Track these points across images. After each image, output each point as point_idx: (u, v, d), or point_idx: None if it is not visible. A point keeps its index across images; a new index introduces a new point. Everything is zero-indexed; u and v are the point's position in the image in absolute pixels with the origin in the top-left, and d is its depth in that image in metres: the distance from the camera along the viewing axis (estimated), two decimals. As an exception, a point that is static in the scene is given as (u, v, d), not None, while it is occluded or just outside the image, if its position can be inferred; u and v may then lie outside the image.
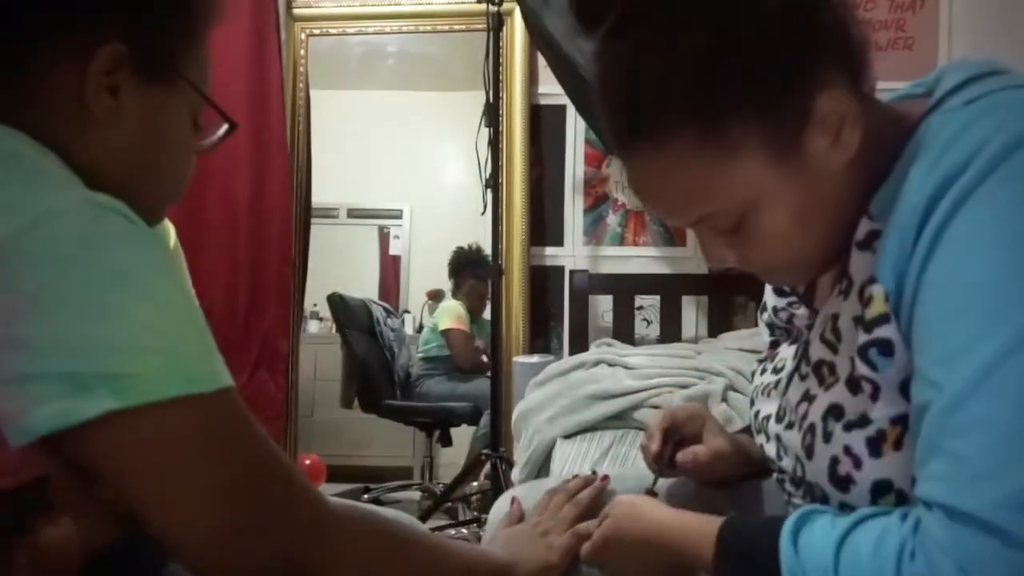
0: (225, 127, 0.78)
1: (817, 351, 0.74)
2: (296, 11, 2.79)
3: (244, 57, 2.58)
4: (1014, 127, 0.59)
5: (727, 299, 2.57)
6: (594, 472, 1.05)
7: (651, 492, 0.93)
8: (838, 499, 0.69)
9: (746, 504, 0.96)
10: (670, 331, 2.49)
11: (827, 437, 0.69)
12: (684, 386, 1.79)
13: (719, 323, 2.54)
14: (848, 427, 0.68)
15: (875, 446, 0.66)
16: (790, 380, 0.80)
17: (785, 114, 0.65)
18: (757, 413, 0.87)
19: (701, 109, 0.65)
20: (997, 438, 0.55)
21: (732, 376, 1.79)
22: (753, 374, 0.94)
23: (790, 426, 0.76)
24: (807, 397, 0.74)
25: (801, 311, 0.87)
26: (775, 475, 0.85)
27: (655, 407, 1.73)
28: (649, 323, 2.63)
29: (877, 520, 0.62)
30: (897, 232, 0.62)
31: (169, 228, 0.99)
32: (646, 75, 0.66)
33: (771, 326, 0.94)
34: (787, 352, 0.87)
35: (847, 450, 0.67)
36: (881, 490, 0.66)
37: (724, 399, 1.73)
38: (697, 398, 1.72)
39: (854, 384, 0.68)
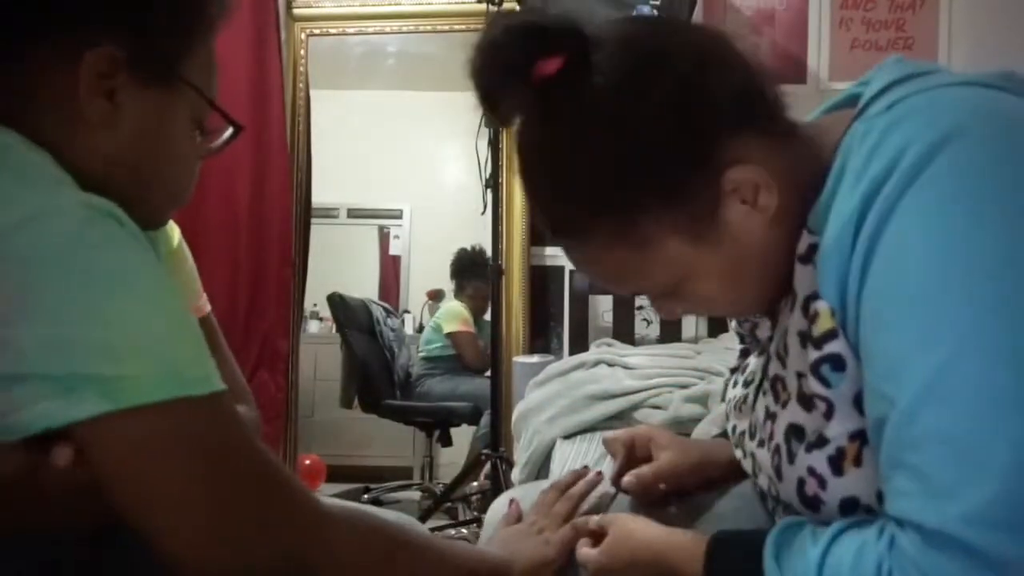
0: (230, 130, 0.77)
1: (774, 366, 0.74)
2: (296, 11, 2.78)
3: (244, 57, 2.58)
4: (932, 132, 0.59)
5: (727, 299, 2.56)
6: (586, 468, 1.05)
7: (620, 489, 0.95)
8: (811, 517, 0.68)
9: (729, 511, 0.95)
10: (670, 331, 2.49)
11: (791, 458, 0.69)
12: (684, 386, 1.78)
13: (719, 323, 2.54)
14: (809, 448, 0.67)
15: (836, 465, 0.65)
16: (756, 396, 0.80)
17: (695, 200, 0.67)
18: (734, 428, 0.87)
19: (610, 210, 0.68)
20: (954, 450, 0.54)
21: (732, 376, 1.79)
22: (726, 385, 0.94)
23: (761, 444, 0.76)
24: (769, 415, 0.74)
25: (765, 322, 0.86)
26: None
27: (655, 407, 1.73)
28: (649, 323, 2.62)
29: (856, 533, 0.61)
30: (833, 247, 0.62)
31: (173, 229, 0.99)
32: (554, 180, 0.70)
33: (740, 335, 0.94)
34: (755, 364, 0.86)
35: (811, 471, 0.67)
36: (849, 507, 0.65)
37: (724, 399, 1.72)
38: (697, 398, 1.72)
39: (806, 401, 0.67)
